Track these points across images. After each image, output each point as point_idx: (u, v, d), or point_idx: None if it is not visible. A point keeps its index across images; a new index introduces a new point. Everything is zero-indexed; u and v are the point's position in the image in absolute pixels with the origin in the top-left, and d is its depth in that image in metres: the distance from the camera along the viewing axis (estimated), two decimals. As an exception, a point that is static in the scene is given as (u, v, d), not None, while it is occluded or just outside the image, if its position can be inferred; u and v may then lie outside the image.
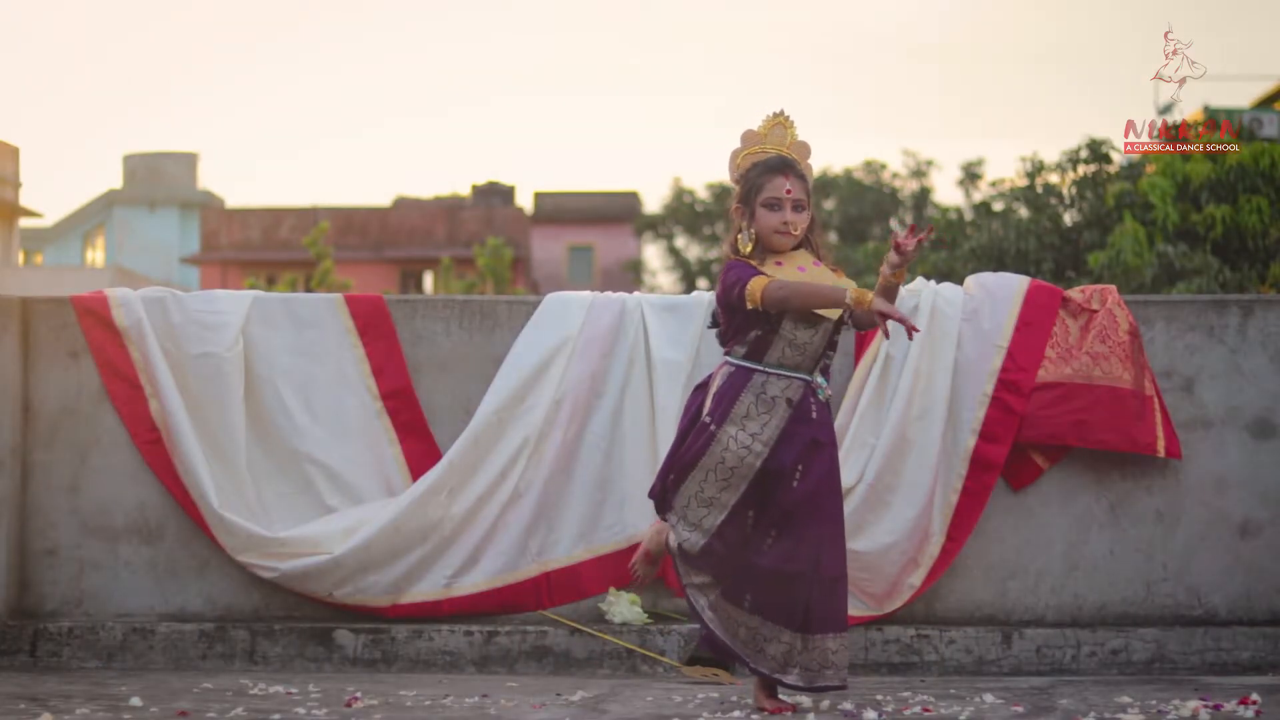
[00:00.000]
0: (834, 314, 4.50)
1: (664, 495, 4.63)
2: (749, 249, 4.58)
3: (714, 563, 4.53)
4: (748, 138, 4.69)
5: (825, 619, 4.49)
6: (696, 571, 4.55)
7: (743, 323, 4.53)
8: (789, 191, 4.56)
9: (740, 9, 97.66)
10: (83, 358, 5.83)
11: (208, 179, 70.04)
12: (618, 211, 42.39)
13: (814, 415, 4.53)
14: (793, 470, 4.49)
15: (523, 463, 5.76)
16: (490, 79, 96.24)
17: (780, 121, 4.70)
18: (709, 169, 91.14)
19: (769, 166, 4.61)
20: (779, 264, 4.56)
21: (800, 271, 4.55)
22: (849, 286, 4.46)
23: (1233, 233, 14.61)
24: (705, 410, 4.57)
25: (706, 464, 4.52)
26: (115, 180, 54.00)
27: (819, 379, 4.55)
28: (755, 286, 4.46)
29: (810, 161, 4.70)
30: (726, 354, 4.59)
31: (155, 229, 48.06)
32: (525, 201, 45.86)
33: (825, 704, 4.68)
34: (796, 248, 4.61)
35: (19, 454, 5.81)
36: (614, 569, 5.72)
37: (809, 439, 4.50)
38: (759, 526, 4.51)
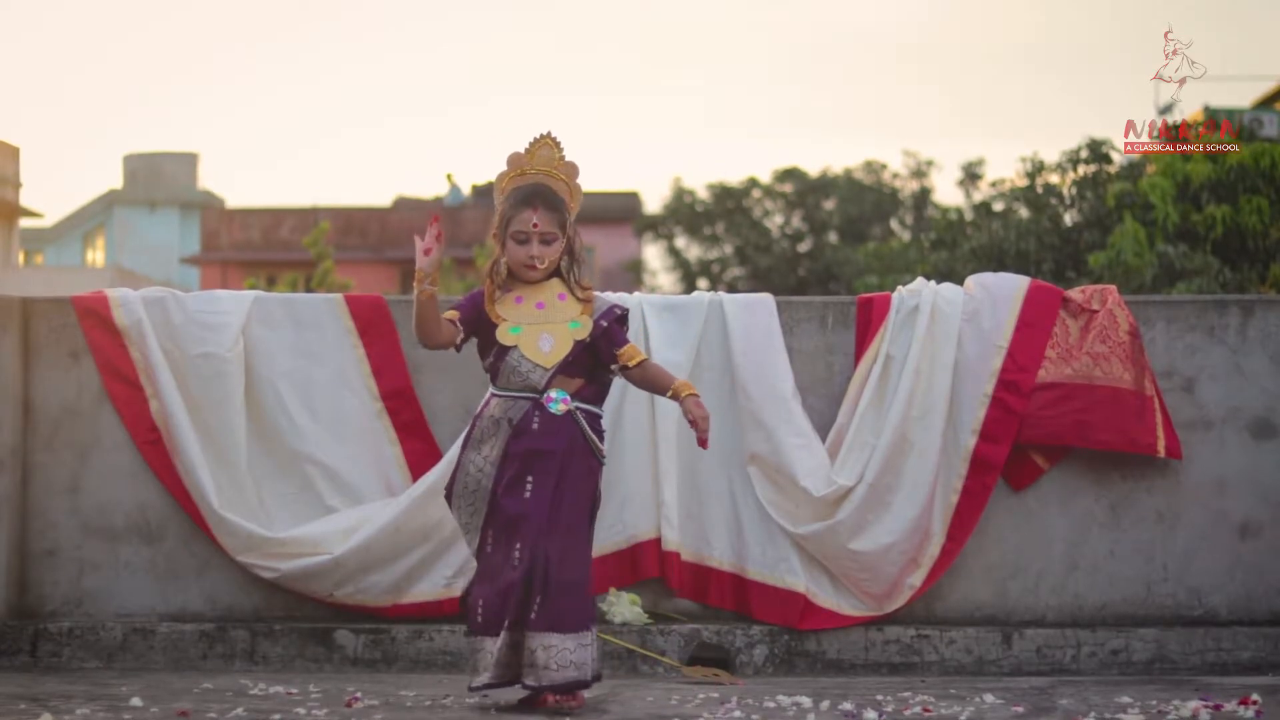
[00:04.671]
0: (561, 353, 4.62)
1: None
2: (502, 278, 4.71)
3: (486, 591, 4.63)
4: (512, 160, 4.75)
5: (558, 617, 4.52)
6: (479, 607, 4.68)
7: (483, 349, 4.73)
8: (535, 225, 4.64)
9: (740, 9, 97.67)
10: (83, 358, 5.83)
11: (208, 179, 69.96)
12: (618, 211, 42.30)
13: (534, 427, 4.62)
14: (520, 482, 4.60)
15: (522, 463, 5.75)
16: (490, 79, 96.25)
17: (547, 143, 4.75)
18: (709, 169, 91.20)
19: (519, 199, 4.68)
20: (519, 300, 4.70)
21: (539, 309, 4.68)
22: (674, 383, 4.69)
23: (1233, 233, 14.63)
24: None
25: (459, 491, 4.71)
26: (115, 180, 53.99)
27: (553, 394, 4.64)
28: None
29: (579, 181, 4.77)
30: None
31: (155, 229, 48.07)
32: (525, 202, 45.70)
33: (825, 704, 4.69)
34: (551, 277, 4.72)
35: (19, 454, 5.81)
36: (614, 569, 5.71)
37: (526, 449, 4.60)
38: (501, 544, 4.60)
